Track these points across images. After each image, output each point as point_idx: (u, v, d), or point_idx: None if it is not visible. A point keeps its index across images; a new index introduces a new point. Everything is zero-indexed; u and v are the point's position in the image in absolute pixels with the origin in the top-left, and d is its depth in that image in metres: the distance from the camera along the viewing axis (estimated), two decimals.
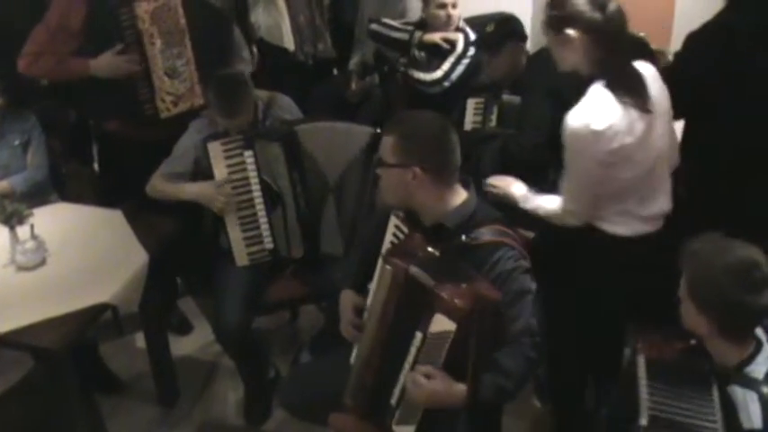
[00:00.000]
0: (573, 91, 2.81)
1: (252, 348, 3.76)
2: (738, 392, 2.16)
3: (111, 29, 3.84)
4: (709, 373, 2.23)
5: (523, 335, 2.56)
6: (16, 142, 4.13)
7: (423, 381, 2.42)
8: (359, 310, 2.80)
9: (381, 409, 2.62)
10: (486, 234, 2.59)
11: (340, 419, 2.81)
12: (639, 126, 2.75)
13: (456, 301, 2.33)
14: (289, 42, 5.03)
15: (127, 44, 3.87)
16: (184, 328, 4.51)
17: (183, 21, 3.95)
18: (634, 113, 2.73)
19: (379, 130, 3.58)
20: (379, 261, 2.67)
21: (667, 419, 2.11)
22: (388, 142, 2.63)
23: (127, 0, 3.79)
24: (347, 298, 2.87)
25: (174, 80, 3.96)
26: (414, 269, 2.46)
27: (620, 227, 2.92)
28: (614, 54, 2.73)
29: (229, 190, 3.58)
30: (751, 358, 2.21)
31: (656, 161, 2.87)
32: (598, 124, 2.68)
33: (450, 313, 2.34)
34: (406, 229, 2.71)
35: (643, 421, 2.07)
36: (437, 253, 2.54)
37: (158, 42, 3.89)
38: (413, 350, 2.47)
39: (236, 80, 3.62)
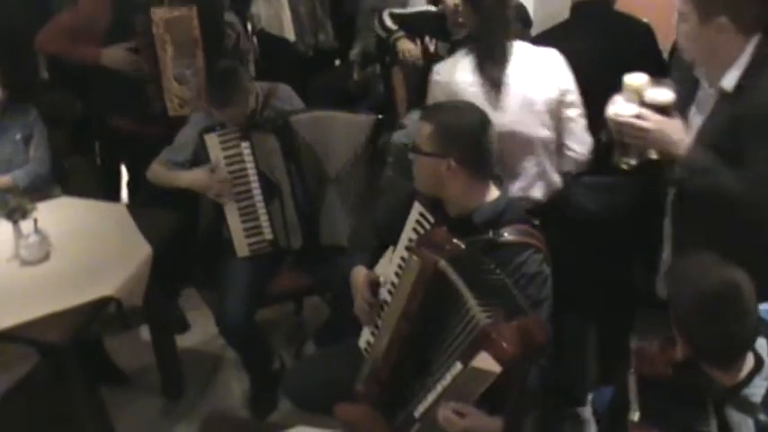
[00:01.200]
0: None
1: (255, 340, 3.76)
2: (735, 416, 2.10)
3: (130, 34, 3.90)
4: (706, 391, 2.14)
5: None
6: (18, 136, 4.11)
7: (456, 419, 2.34)
8: (374, 288, 2.77)
9: (399, 409, 2.59)
10: (513, 233, 2.58)
11: (346, 409, 2.80)
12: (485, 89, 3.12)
13: (508, 347, 2.20)
14: (289, 33, 5.03)
15: (140, 47, 3.90)
16: (181, 326, 4.49)
17: (196, 32, 3.94)
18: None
19: (381, 117, 3.58)
20: (402, 250, 2.65)
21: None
22: (425, 130, 2.60)
23: (146, 6, 3.82)
24: (361, 275, 2.84)
25: (183, 86, 3.96)
26: (442, 263, 2.41)
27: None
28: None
29: (225, 174, 3.57)
30: (749, 379, 2.12)
31: (504, 138, 2.96)
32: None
33: (498, 357, 2.22)
34: (431, 218, 2.68)
35: (634, 416, 2.05)
36: (462, 245, 2.49)
37: (170, 50, 3.90)
38: (449, 377, 2.36)
39: (229, 71, 3.60)
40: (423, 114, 2.69)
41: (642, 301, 3.94)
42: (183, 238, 3.86)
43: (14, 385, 3.79)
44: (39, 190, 4.04)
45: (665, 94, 2.58)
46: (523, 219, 2.67)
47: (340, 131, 3.64)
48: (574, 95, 3.21)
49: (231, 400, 4.01)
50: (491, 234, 2.57)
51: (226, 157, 3.56)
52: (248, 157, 3.58)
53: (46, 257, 3.37)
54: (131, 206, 3.79)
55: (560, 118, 3.21)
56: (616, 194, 3.40)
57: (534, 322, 2.32)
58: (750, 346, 2.10)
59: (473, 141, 2.59)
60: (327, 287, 3.81)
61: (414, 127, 3.27)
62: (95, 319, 3.20)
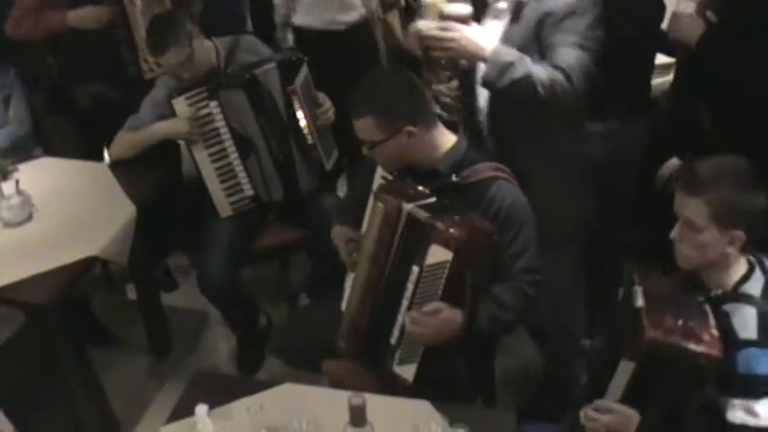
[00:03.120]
0: None
1: (239, 299, 3.78)
2: (734, 308, 2.17)
3: None
4: (705, 300, 2.23)
5: (524, 272, 2.59)
6: None
7: (425, 319, 2.42)
8: (354, 243, 2.78)
9: (379, 351, 2.63)
10: (477, 172, 2.60)
11: (334, 365, 2.82)
12: None
13: (451, 230, 2.35)
14: None
15: (107, 3, 3.84)
16: (170, 284, 4.52)
17: None
18: None
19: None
20: (370, 200, 2.66)
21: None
22: (367, 124, 2.57)
23: None
24: (339, 232, 2.85)
25: None
26: (407, 205, 2.46)
27: None
28: None
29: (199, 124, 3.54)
30: (745, 279, 2.22)
31: None
32: None
33: (446, 243, 2.36)
34: (395, 174, 2.71)
35: (639, 302, 2.11)
36: (427, 191, 2.54)
37: (138, 2, 3.84)
38: (410, 285, 2.48)
39: (167, 18, 3.55)
40: (354, 114, 2.61)
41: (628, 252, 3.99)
42: (168, 197, 3.85)
43: (0, 347, 3.79)
44: (19, 151, 4.03)
45: (463, 8, 2.77)
46: (487, 158, 2.67)
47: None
48: None
49: (218, 358, 4.03)
50: (455, 178, 2.58)
51: (197, 118, 3.52)
52: (218, 116, 3.54)
53: (29, 219, 3.36)
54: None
55: None
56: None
57: (479, 218, 2.46)
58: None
59: (413, 98, 2.59)
60: (310, 238, 3.78)
61: None
62: (80, 279, 3.19)
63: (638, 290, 2.25)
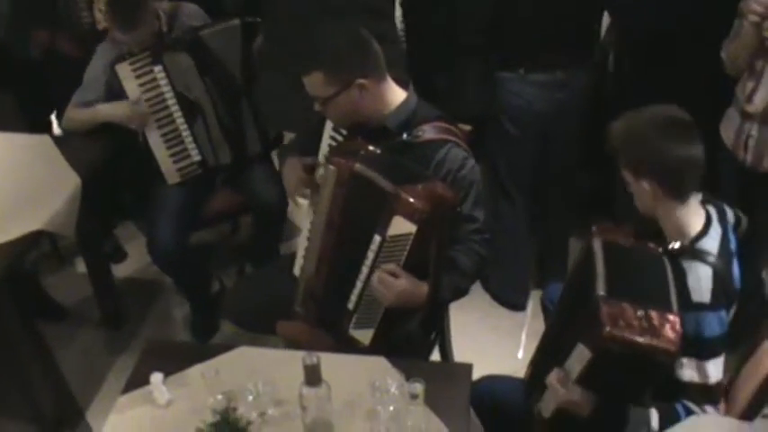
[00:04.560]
0: None
1: (190, 266, 3.75)
2: (690, 266, 2.19)
3: None
4: (663, 252, 2.24)
5: (475, 233, 2.59)
6: None
7: (390, 280, 2.41)
8: (310, 168, 2.74)
9: (336, 315, 2.63)
10: (428, 132, 2.58)
11: (288, 326, 2.82)
12: None
13: (416, 202, 2.31)
14: None
15: None
16: (119, 255, 4.46)
17: None
18: None
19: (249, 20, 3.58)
20: (322, 163, 2.64)
21: (623, 288, 2.12)
22: (316, 79, 2.52)
23: None
24: (291, 162, 2.81)
25: None
26: (359, 166, 2.44)
27: None
28: None
29: (146, 108, 3.48)
30: (703, 233, 2.24)
31: None
32: None
33: (410, 215, 2.32)
34: (343, 131, 2.69)
35: (600, 291, 2.09)
36: (378, 151, 2.52)
37: None
38: (371, 254, 2.46)
39: None
40: (303, 70, 2.55)
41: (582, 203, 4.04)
42: (115, 167, 3.79)
43: None
44: None
45: None
46: (438, 116, 2.65)
47: (238, 39, 3.60)
48: None
49: (172, 327, 4.01)
50: (405, 136, 2.57)
51: (141, 85, 3.46)
52: (163, 81, 3.48)
53: None
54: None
55: None
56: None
57: (441, 185, 2.42)
58: (700, 174, 2.22)
59: (362, 50, 2.55)
60: (253, 197, 3.76)
61: None
62: (27, 254, 3.15)
63: (598, 243, 2.26)
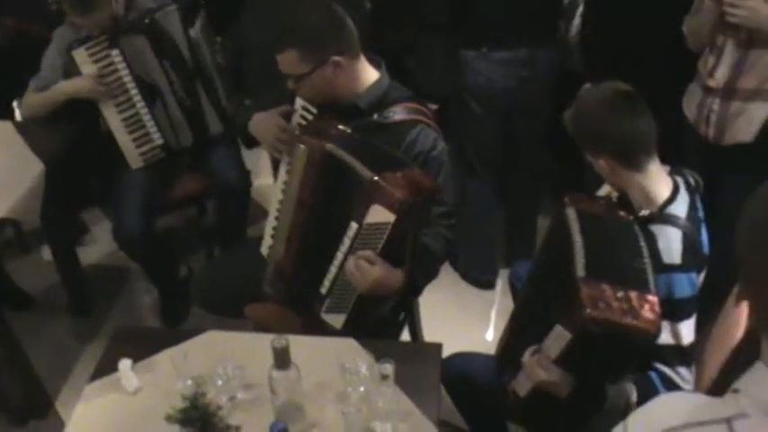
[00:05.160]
0: None
1: (157, 251, 3.72)
2: (660, 230, 2.23)
3: None
4: (634, 220, 2.29)
5: (442, 217, 2.60)
6: None
7: (367, 266, 2.38)
8: (286, 115, 2.72)
9: (308, 298, 2.61)
10: (399, 113, 2.57)
11: (257, 308, 2.81)
12: None
13: (396, 192, 2.28)
14: None
15: None
16: (82, 233, 4.44)
17: None
18: None
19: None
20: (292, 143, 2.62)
21: (601, 267, 2.14)
22: (291, 58, 2.49)
23: None
24: (265, 114, 2.76)
25: None
26: (329, 145, 2.41)
27: None
28: None
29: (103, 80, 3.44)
30: (671, 200, 2.28)
31: None
32: None
33: (389, 205, 2.29)
34: (313, 109, 2.67)
35: (580, 272, 2.10)
36: (349, 131, 2.51)
37: None
38: (347, 240, 2.43)
39: None
40: (277, 48, 2.52)
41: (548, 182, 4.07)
42: (78, 152, 3.75)
43: None
44: None
45: None
46: (409, 97, 2.64)
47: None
48: None
49: (141, 312, 3.99)
50: (376, 117, 2.56)
51: (99, 69, 3.42)
52: (121, 65, 3.45)
53: None
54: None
55: None
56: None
57: (420, 172, 2.39)
58: (650, 143, 2.28)
59: (336, 27, 2.53)
60: (215, 178, 3.75)
61: None
62: None
63: (572, 212, 2.29)
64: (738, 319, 2.06)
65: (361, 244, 2.41)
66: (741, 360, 2.05)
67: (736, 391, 1.15)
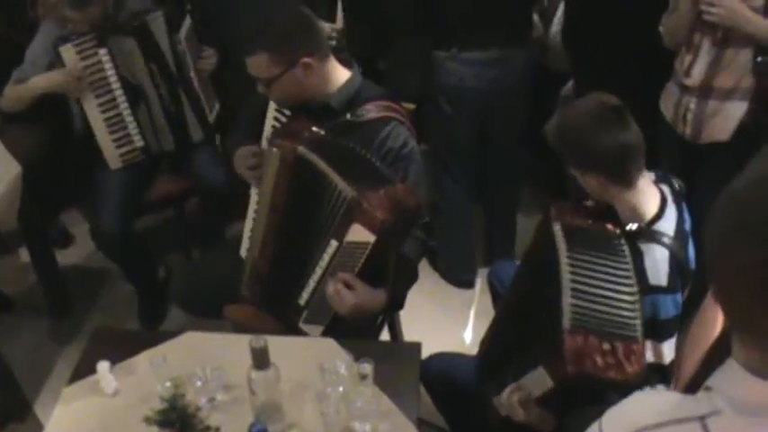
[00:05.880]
0: None
1: (135, 252, 3.71)
2: (648, 248, 2.21)
3: None
4: (621, 234, 2.25)
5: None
6: None
7: (346, 292, 2.38)
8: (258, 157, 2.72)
9: (284, 303, 2.61)
10: (372, 111, 2.57)
11: (235, 309, 2.80)
12: None
13: (379, 214, 2.26)
14: None
15: None
16: (65, 240, 4.41)
17: None
18: None
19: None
20: (264, 146, 2.62)
21: (587, 309, 2.08)
22: (261, 61, 2.49)
23: None
24: (242, 152, 2.75)
25: None
26: (302, 149, 2.41)
27: None
28: None
29: (82, 72, 3.39)
30: (659, 215, 2.25)
31: None
32: None
33: (370, 226, 2.28)
34: (287, 112, 2.66)
35: (566, 324, 2.04)
36: (322, 132, 2.50)
37: None
38: (326, 257, 2.43)
39: None
40: (247, 52, 2.51)
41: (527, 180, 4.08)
42: (57, 153, 3.73)
43: None
44: None
45: None
46: (382, 95, 2.65)
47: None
48: None
49: (120, 314, 3.96)
50: (349, 116, 2.56)
51: (85, 67, 3.40)
52: (108, 65, 3.43)
53: None
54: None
55: None
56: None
57: (403, 190, 2.38)
58: (640, 156, 2.23)
59: (306, 29, 2.53)
60: (200, 181, 3.74)
61: None
62: None
63: (558, 229, 2.25)
64: (715, 318, 2.06)
65: (340, 261, 2.40)
66: (717, 358, 2.05)
67: (708, 388, 1.16)
